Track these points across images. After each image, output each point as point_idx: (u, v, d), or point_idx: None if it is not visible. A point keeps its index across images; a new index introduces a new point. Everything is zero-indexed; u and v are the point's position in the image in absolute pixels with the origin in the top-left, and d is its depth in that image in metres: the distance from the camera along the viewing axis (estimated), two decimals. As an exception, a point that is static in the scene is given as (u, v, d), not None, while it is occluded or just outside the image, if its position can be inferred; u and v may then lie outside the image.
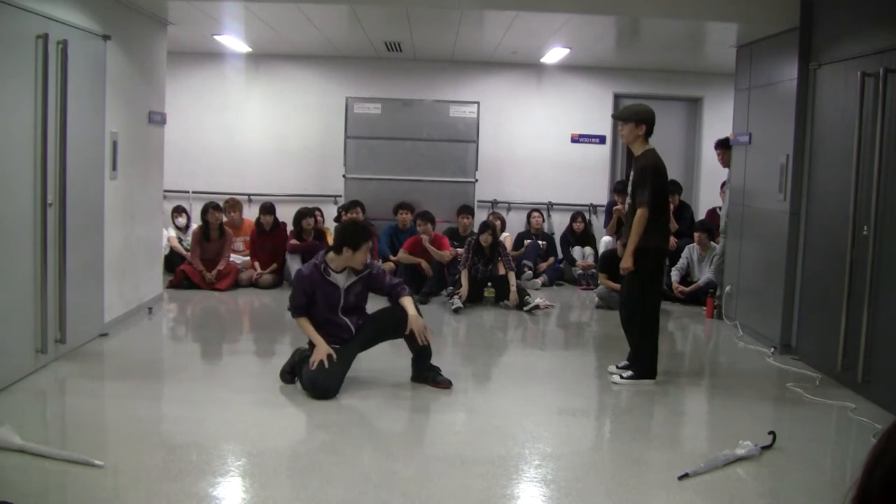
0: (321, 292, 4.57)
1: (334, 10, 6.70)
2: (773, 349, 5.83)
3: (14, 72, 4.39)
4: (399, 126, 8.93)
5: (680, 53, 8.32)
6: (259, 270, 8.05)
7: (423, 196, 8.71)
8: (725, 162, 7.23)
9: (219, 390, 4.63)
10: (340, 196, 9.06)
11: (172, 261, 8.13)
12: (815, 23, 5.65)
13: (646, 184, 4.71)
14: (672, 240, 7.49)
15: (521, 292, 7.32)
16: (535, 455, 3.71)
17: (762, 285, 6.28)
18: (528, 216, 9.21)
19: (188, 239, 8.27)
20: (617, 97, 9.73)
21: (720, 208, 7.69)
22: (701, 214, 8.99)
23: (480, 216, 8.82)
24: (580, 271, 8.68)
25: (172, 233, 8.45)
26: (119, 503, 3.12)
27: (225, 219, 8.19)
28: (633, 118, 4.85)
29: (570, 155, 9.76)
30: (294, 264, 7.74)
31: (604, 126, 9.66)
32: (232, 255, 8.09)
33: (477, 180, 9.01)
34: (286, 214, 8.50)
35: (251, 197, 9.37)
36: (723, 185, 7.65)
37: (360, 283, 4.67)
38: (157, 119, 6.73)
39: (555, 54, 8.66)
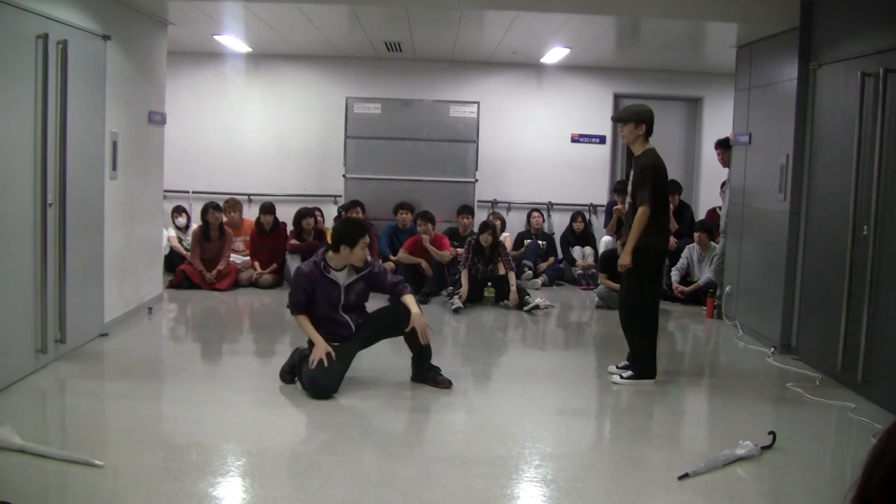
0: (321, 290, 4.57)
1: (334, 10, 6.70)
2: (773, 349, 5.83)
3: (14, 72, 4.39)
4: (399, 126, 8.93)
5: (680, 53, 8.32)
6: (259, 270, 8.05)
7: (423, 196, 8.71)
8: (725, 162, 7.23)
9: (219, 390, 4.63)
10: (340, 196, 9.06)
11: (172, 261, 8.13)
12: (815, 23, 5.64)
13: (646, 183, 4.72)
14: (672, 240, 7.49)
15: (521, 292, 7.32)
16: (535, 455, 3.71)
17: (762, 285, 6.28)
18: (528, 216, 9.21)
19: (188, 239, 8.27)
20: (617, 97, 9.73)
21: (720, 208, 7.69)
22: (701, 214, 8.99)
23: (480, 216, 8.82)
24: (580, 271, 8.68)
25: (172, 233, 8.45)
26: (119, 503, 3.11)
27: (225, 219, 8.20)
28: (633, 118, 4.86)
29: (570, 155, 9.76)
30: (294, 264, 7.73)
31: (604, 126, 9.65)
32: (232, 255, 8.09)
33: (477, 180, 9.01)
34: (286, 214, 8.50)
35: (251, 197, 9.37)
36: (723, 185, 7.65)
37: (361, 282, 4.67)
38: (157, 119, 6.73)
39: (555, 54, 8.66)
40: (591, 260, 8.78)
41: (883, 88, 4.59)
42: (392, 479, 3.37)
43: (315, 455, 3.62)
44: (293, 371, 4.63)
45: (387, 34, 7.99)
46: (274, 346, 5.87)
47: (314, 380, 4.39)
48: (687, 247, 7.85)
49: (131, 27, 6.15)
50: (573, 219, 9.09)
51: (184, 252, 8.23)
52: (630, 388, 4.85)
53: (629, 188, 4.95)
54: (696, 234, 7.80)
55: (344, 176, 8.96)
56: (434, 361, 4.76)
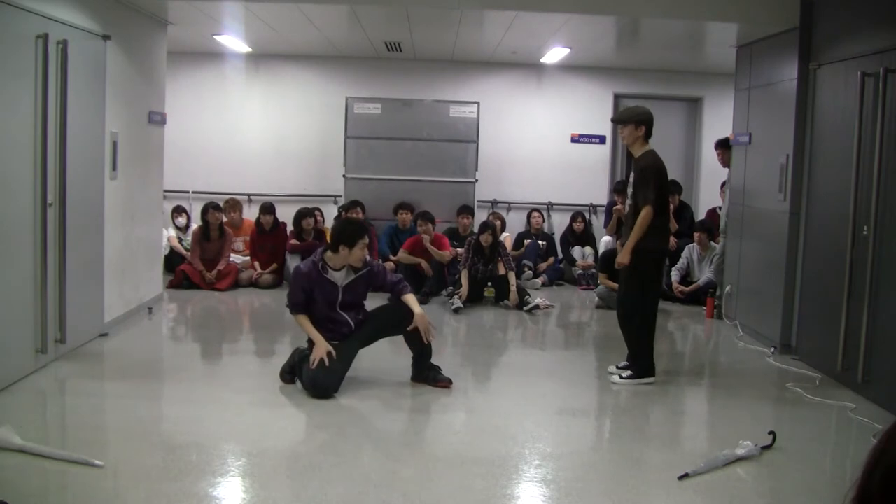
0: (319, 290, 4.57)
1: (334, 10, 6.70)
2: (773, 349, 5.83)
3: (14, 72, 4.39)
4: (399, 126, 8.93)
5: (680, 53, 8.32)
6: (259, 270, 8.05)
7: (423, 196, 8.71)
8: (725, 162, 7.23)
9: (219, 390, 4.63)
10: (340, 196, 9.06)
11: (172, 261, 8.13)
12: (815, 23, 5.65)
13: (648, 183, 4.73)
14: (672, 240, 7.49)
15: (521, 292, 7.32)
16: (535, 455, 3.71)
17: (762, 285, 6.28)
18: (528, 216, 9.21)
19: (188, 239, 8.27)
20: (617, 97, 9.74)
21: (720, 208, 7.69)
22: (701, 214, 8.99)
23: (480, 216, 8.82)
24: (580, 271, 8.68)
25: (172, 233, 8.45)
26: (119, 503, 3.12)
27: (225, 219, 8.20)
28: (633, 119, 4.86)
29: (570, 155, 9.76)
30: (294, 264, 7.70)
31: (604, 126, 9.65)
32: (232, 255, 8.09)
33: (477, 180, 9.01)
34: (286, 214, 8.50)
35: (251, 197, 9.37)
36: (723, 185, 7.65)
37: (359, 282, 4.67)
38: (157, 119, 6.73)
39: (555, 54, 8.66)
40: (591, 260, 8.78)
41: (883, 88, 4.59)
42: (392, 479, 3.37)
43: (315, 455, 3.62)
44: (293, 371, 4.63)
45: (387, 34, 7.99)
46: (274, 346, 5.87)
47: (315, 379, 4.39)
48: (687, 247, 7.85)
49: (131, 27, 6.15)
50: (573, 219, 9.09)
51: (184, 252, 8.23)
52: (630, 388, 4.85)
53: (629, 189, 4.96)
54: (696, 234, 7.80)
55: (344, 176, 8.96)
56: (434, 361, 4.77)
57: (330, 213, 9.07)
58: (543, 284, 8.48)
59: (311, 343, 4.54)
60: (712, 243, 7.68)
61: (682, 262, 7.84)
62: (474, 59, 9.39)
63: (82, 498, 3.14)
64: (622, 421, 4.47)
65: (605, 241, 8.64)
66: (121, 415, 4.18)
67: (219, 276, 7.72)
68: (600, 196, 9.69)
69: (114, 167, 5.82)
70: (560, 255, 8.99)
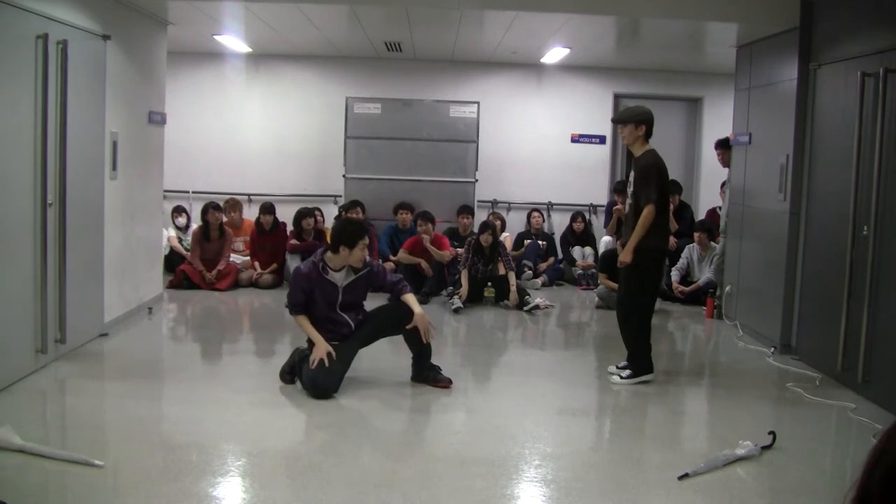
0: (319, 290, 4.57)
1: (334, 10, 6.70)
2: (773, 349, 5.83)
3: (14, 72, 4.39)
4: (399, 126, 8.93)
5: (680, 53, 8.32)
6: (259, 270, 8.05)
7: (423, 196, 8.71)
8: (725, 162, 7.23)
9: (219, 390, 4.63)
10: (340, 196, 9.06)
11: (172, 261, 8.13)
12: (815, 23, 5.65)
13: (650, 182, 4.74)
14: (672, 240, 7.50)
15: (521, 292, 7.32)
16: (535, 455, 3.71)
17: (762, 285, 6.28)
18: (528, 216, 9.21)
19: (188, 239, 8.27)
20: (617, 97, 9.74)
21: (720, 208, 7.69)
22: (701, 214, 8.99)
23: (480, 216, 8.82)
24: (580, 271, 8.68)
25: (172, 233, 8.45)
26: (119, 503, 3.12)
27: (225, 219, 8.20)
28: (633, 119, 4.87)
29: (570, 155, 9.76)
30: (294, 264, 7.71)
31: (604, 126, 9.65)
32: (232, 255, 8.09)
33: (477, 180, 9.01)
34: (286, 214, 8.50)
35: (251, 197, 9.37)
36: (723, 185, 7.65)
37: (359, 282, 4.67)
38: (157, 119, 6.73)
39: (555, 54, 8.66)
40: (591, 260, 8.78)
41: (883, 88, 4.59)
42: (392, 479, 3.37)
43: (315, 455, 3.62)
44: (293, 371, 4.63)
45: (387, 34, 7.99)
46: (274, 346, 5.87)
47: (314, 379, 4.39)
48: (687, 247, 7.85)
49: (131, 27, 6.15)
50: (573, 219, 9.09)
51: (184, 252, 8.23)
52: (630, 388, 4.85)
53: (629, 189, 4.96)
54: (696, 234, 7.80)
55: (344, 176, 8.96)
56: (434, 361, 4.76)
57: (330, 213, 9.06)
58: (543, 284, 8.48)
59: (310, 343, 4.54)
60: (712, 243, 7.68)
61: (682, 262, 7.84)
62: (474, 59, 9.39)
63: (82, 498, 3.14)
64: (622, 421, 4.47)
65: (605, 241, 8.64)
66: (121, 415, 4.18)
67: (219, 276, 7.72)
68: (600, 196, 9.69)
69: (114, 167, 5.82)
70: (560, 255, 8.99)
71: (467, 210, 8.40)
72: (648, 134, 4.87)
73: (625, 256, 4.83)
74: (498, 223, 8.25)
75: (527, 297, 7.26)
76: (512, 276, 7.38)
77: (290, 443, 3.85)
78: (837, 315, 4.97)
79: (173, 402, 4.55)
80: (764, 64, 6.43)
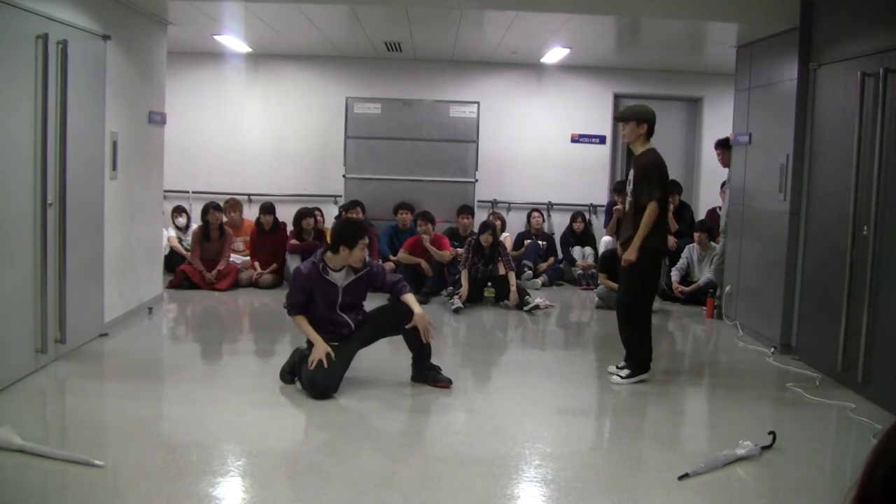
0: (319, 291, 4.57)
1: (334, 10, 6.70)
2: (773, 349, 5.83)
3: (14, 72, 4.39)
4: (399, 126, 8.93)
5: (680, 53, 8.32)
6: (259, 270, 8.05)
7: (423, 196, 8.71)
8: (725, 162, 7.23)
9: (219, 390, 4.63)
10: (340, 196, 9.06)
11: (172, 261, 8.13)
12: (815, 23, 5.65)
13: (651, 180, 4.74)
14: (672, 240, 7.50)
15: (521, 292, 7.32)
16: (535, 455, 3.71)
17: (762, 285, 6.28)
18: (528, 216, 9.21)
19: (188, 239, 8.27)
20: (617, 97, 9.73)
21: (720, 208, 7.69)
22: (701, 214, 8.99)
23: (480, 216, 8.82)
24: (580, 271, 8.68)
25: (172, 233, 8.45)
26: (119, 503, 3.12)
27: (225, 219, 8.20)
28: (634, 118, 4.88)
29: (570, 155, 9.76)
30: (294, 264, 7.71)
31: (604, 126, 9.66)
32: (232, 255, 8.09)
33: (477, 180, 9.01)
34: (286, 214, 8.50)
35: (251, 197, 9.37)
36: (723, 185, 7.65)
37: (359, 282, 4.67)
38: (157, 119, 6.73)
39: (555, 54, 8.66)
40: (591, 260, 8.78)
41: (883, 88, 4.59)
42: (392, 479, 3.37)
43: (315, 455, 3.62)
44: (293, 371, 4.63)
45: (387, 34, 7.99)
46: (274, 346, 5.87)
47: (313, 380, 4.39)
48: (687, 247, 7.85)
49: (131, 27, 6.15)
50: (573, 219, 9.09)
51: (184, 252, 8.23)
52: (630, 388, 4.85)
53: (629, 187, 4.96)
54: (696, 234, 7.80)
55: (344, 176, 8.96)
56: (434, 361, 4.76)
57: (330, 213, 9.06)
58: (543, 284, 8.48)
59: (310, 344, 4.54)
60: (712, 243, 7.68)
61: (682, 262, 7.84)
62: (474, 59, 9.39)
63: (82, 498, 3.14)
64: (622, 421, 4.47)
65: (605, 241, 8.64)
66: (121, 415, 4.18)
67: (219, 276, 7.72)
68: (600, 196, 9.69)
69: (114, 167, 5.82)
70: (560, 255, 8.99)
71: (467, 210, 8.40)
72: (650, 133, 4.88)
73: (630, 254, 4.82)
74: (498, 223, 8.25)
75: (527, 297, 7.26)
76: (512, 276, 7.38)
77: (290, 443, 3.85)
78: (837, 315, 4.97)
79: (173, 402, 4.55)
80: (764, 64, 6.43)
